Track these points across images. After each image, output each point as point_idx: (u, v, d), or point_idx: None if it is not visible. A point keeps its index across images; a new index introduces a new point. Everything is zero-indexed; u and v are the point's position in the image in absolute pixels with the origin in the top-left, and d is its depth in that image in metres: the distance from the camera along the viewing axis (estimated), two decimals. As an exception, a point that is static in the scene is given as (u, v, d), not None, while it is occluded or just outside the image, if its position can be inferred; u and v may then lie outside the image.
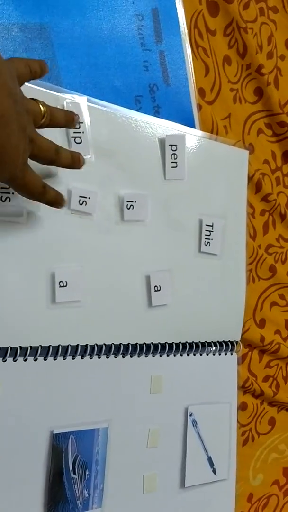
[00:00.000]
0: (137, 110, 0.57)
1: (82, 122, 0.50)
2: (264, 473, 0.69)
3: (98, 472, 0.50)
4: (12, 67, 0.38)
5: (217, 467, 0.59)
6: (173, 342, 0.57)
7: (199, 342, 0.59)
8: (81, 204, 0.50)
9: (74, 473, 0.49)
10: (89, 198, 0.50)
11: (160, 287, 0.56)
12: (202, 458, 0.58)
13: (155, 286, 0.55)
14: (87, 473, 0.50)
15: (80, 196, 0.50)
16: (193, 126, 0.61)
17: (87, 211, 0.51)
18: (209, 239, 0.60)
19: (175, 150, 0.57)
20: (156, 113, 0.59)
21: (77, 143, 0.50)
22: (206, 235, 0.60)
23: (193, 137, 0.59)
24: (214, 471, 0.59)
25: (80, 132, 0.50)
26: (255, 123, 0.70)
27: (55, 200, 0.44)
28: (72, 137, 0.49)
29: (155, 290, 0.55)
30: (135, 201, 0.54)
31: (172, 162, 0.57)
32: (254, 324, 0.68)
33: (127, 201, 0.53)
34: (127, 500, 0.53)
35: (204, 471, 0.58)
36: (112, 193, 0.53)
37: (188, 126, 0.60)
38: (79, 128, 0.49)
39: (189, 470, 0.57)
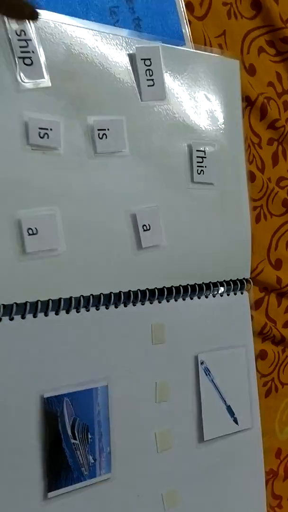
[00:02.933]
0: (114, 24, 0.49)
1: (30, 40, 0.42)
2: (292, 425, 0.63)
3: (103, 435, 0.45)
4: None
5: (239, 416, 0.54)
6: (172, 286, 0.51)
7: (203, 283, 0.53)
8: (42, 138, 0.43)
9: (75, 438, 0.44)
10: (50, 129, 0.43)
11: (149, 226, 0.49)
12: (221, 408, 0.53)
13: (144, 225, 0.49)
14: (89, 437, 0.45)
15: (40, 128, 0.43)
16: (182, 44, 0.53)
17: (50, 145, 0.44)
18: (202, 166, 0.53)
19: (149, 65, 0.49)
20: (137, 27, 0.50)
21: (27, 64, 0.42)
22: (198, 162, 0.53)
23: (170, 49, 0.51)
24: (235, 421, 0.54)
25: (29, 52, 0.42)
26: (254, 40, 0.61)
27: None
28: (19, 57, 0.42)
29: (144, 230, 0.49)
30: (108, 129, 0.47)
31: (147, 80, 0.49)
32: (269, 265, 0.61)
33: (98, 130, 0.46)
34: (141, 462, 0.48)
35: (225, 421, 0.53)
36: (78, 122, 0.45)
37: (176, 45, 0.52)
38: (27, 46, 0.42)
39: (207, 422, 0.51)
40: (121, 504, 0.46)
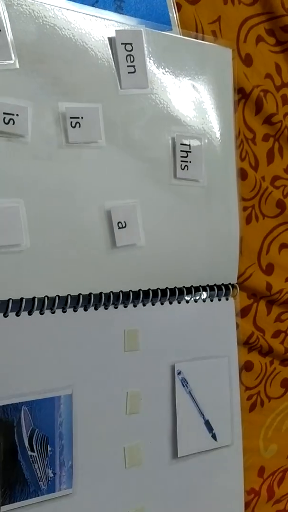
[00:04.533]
0: (93, 5, 0.45)
1: (-4, 17, 0.39)
2: (278, 443, 0.59)
3: (64, 447, 0.42)
4: None
5: (218, 432, 0.50)
6: (149, 289, 0.47)
7: (183, 287, 0.49)
8: (7, 123, 0.40)
9: (32, 450, 0.41)
10: (17, 115, 0.40)
11: (125, 224, 0.45)
12: (198, 423, 0.49)
13: (119, 222, 0.45)
14: (49, 449, 0.41)
15: (5, 113, 0.40)
16: (169, 29, 0.49)
17: (16, 132, 0.40)
18: (186, 161, 0.49)
19: (130, 51, 0.46)
20: (119, 9, 0.47)
21: (-8, 44, 0.39)
22: (182, 156, 0.49)
23: (155, 34, 0.48)
24: (214, 437, 0.50)
25: (-6, 30, 0.39)
26: (253, 28, 0.57)
27: None
28: (-18, 36, 0.39)
29: (119, 228, 0.45)
30: (82, 117, 0.43)
31: (128, 66, 0.46)
32: (259, 269, 0.57)
33: (71, 118, 0.43)
34: (106, 477, 0.44)
35: (202, 437, 0.49)
36: (49, 108, 0.42)
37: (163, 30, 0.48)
38: (-9, 24, 0.39)
39: (181, 437, 0.48)
40: (83, 523, 0.43)
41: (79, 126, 0.43)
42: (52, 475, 0.41)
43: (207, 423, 0.49)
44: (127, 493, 0.45)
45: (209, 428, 0.49)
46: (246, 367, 0.55)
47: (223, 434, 0.50)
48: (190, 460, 0.48)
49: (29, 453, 0.40)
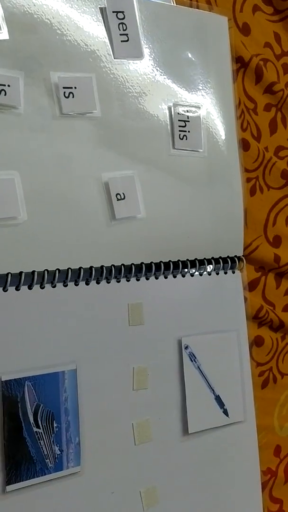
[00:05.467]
0: None
1: (-18, -14, 0.39)
2: (294, 421, 0.57)
3: (70, 423, 0.41)
4: None
5: (230, 408, 0.49)
6: (151, 262, 0.46)
7: (187, 260, 0.48)
8: (-1, 94, 0.39)
9: (38, 427, 0.40)
10: (8, 86, 0.40)
11: (123, 195, 0.44)
12: (208, 398, 0.48)
13: (117, 194, 0.44)
14: (55, 425, 0.40)
15: (-4, 84, 0.39)
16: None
17: (9, 103, 0.40)
18: (184, 131, 0.48)
19: (122, 19, 0.45)
20: None
21: (-21, 13, 0.39)
22: (180, 126, 0.48)
23: (147, 2, 0.47)
24: (225, 412, 0.48)
25: (-18, 0, 0.39)
26: None
27: None
28: None
29: (118, 199, 0.44)
30: (75, 87, 0.42)
31: (120, 35, 0.45)
32: (266, 242, 0.55)
33: (64, 88, 0.42)
34: (115, 455, 0.43)
35: (213, 412, 0.48)
36: (41, 79, 0.41)
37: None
38: (-22, -7, 0.38)
39: (192, 413, 0.46)
40: (92, 501, 0.42)
41: (73, 96, 0.42)
42: (59, 452, 0.40)
43: (218, 399, 0.48)
44: (137, 471, 0.44)
45: (220, 403, 0.48)
46: (256, 342, 0.53)
47: (235, 410, 0.49)
48: (202, 437, 0.47)
49: (35, 429, 0.39)
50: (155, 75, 0.47)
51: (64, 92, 0.42)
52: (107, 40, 0.44)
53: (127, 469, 0.44)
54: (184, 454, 0.46)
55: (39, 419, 0.40)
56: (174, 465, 0.46)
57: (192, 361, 0.47)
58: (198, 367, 0.47)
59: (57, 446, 0.40)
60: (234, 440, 0.49)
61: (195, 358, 0.47)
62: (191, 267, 0.48)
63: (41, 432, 0.40)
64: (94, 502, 0.42)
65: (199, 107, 0.49)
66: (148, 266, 0.46)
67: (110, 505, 0.43)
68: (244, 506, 0.50)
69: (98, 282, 0.43)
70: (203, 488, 0.47)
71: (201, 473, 0.47)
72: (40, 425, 0.40)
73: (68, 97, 0.42)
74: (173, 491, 0.45)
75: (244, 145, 0.54)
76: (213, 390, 0.48)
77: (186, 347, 0.47)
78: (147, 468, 0.45)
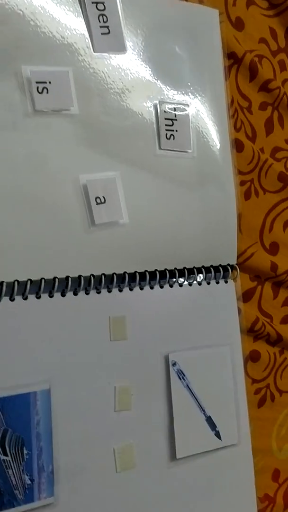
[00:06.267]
0: None
1: None
2: (294, 443, 0.53)
3: (43, 450, 0.37)
4: None
5: (222, 430, 0.45)
6: (135, 271, 0.42)
7: (175, 269, 0.44)
8: None
9: (5, 454, 0.36)
10: (-26, 80, 0.36)
11: (104, 199, 0.41)
12: (199, 419, 0.44)
13: (97, 197, 0.41)
14: (25, 452, 0.37)
15: None
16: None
17: (-25, 99, 0.37)
18: (172, 130, 0.44)
19: (102, 10, 0.42)
20: None
21: None
22: (167, 125, 0.44)
23: (130, -7, 0.43)
24: (217, 435, 0.44)
25: None
26: None
27: None
28: None
29: (98, 203, 0.41)
30: (50, 82, 0.39)
31: (101, 27, 0.42)
32: (262, 249, 0.52)
33: (37, 82, 0.39)
34: (94, 483, 0.39)
35: (204, 435, 0.44)
36: (12, 73, 0.38)
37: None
38: None
39: (180, 436, 0.42)
40: (68, 536, 0.38)
41: (47, 92, 0.39)
42: (29, 482, 0.37)
43: (209, 420, 0.44)
44: (119, 503, 0.40)
45: (212, 425, 0.44)
46: (252, 357, 0.49)
47: (229, 432, 0.45)
48: (192, 462, 0.43)
49: (2, 457, 0.36)
50: (139, 70, 0.44)
51: (38, 87, 0.39)
52: (86, 33, 0.41)
53: (108, 499, 0.40)
54: (171, 482, 0.42)
55: (6, 446, 0.36)
56: (161, 494, 0.42)
57: (180, 379, 0.43)
58: (187, 385, 0.43)
59: (27, 475, 0.37)
60: (227, 465, 0.45)
61: (184, 375, 0.43)
62: (179, 277, 0.44)
63: (9, 460, 0.36)
64: (70, 537, 0.38)
65: (187, 105, 0.46)
66: (132, 276, 0.42)
67: (88, 539, 0.39)
68: (239, 538, 0.45)
69: (75, 294, 0.40)
70: (193, 519, 0.43)
71: (190, 503, 0.43)
72: (8, 453, 0.36)
73: (41, 92, 0.39)
74: (159, 523, 0.41)
75: (238, 146, 0.50)
76: (204, 411, 0.44)
77: (174, 364, 0.43)
78: (130, 498, 0.41)
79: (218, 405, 0.45)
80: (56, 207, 0.39)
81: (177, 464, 0.42)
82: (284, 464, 0.51)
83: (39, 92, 0.39)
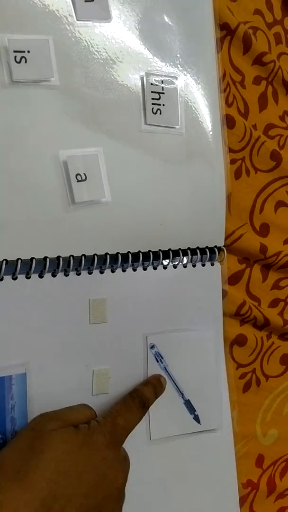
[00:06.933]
0: None
1: None
2: (279, 428, 0.52)
3: (18, 433, 0.37)
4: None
5: (202, 413, 0.44)
6: (117, 253, 0.41)
7: (159, 250, 0.43)
8: None
9: (-21, 437, 0.35)
10: None
11: (85, 176, 0.39)
12: (176, 403, 0.43)
13: (77, 174, 0.39)
14: (-1, 436, 0.36)
15: None
16: None
17: None
18: (158, 104, 0.42)
19: (85, -27, 0.39)
20: None
21: None
22: (153, 98, 0.42)
23: None
24: (196, 419, 0.44)
25: None
26: None
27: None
28: None
29: (78, 181, 0.39)
30: (29, 51, 0.37)
31: (84, -9, 0.39)
32: (251, 230, 0.50)
33: (15, 51, 0.36)
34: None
35: (181, 418, 0.43)
36: (-13, 41, 0.36)
37: None
38: None
39: (155, 418, 0.42)
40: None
41: (25, 62, 0.37)
42: (4, 464, 0.36)
43: (188, 403, 0.43)
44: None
45: (191, 409, 0.43)
46: (238, 341, 0.48)
47: (209, 416, 0.44)
48: (168, 443, 0.43)
49: (-25, 440, 0.35)
50: (125, 40, 0.41)
51: (15, 57, 0.36)
52: (69, 0, 0.39)
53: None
54: (148, 462, 0.42)
55: (-20, 429, 0.35)
56: (137, 474, 0.41)
57: (158, 361, 0.42)
58: (165, 368, 0.42)
59: (2, 458, 0.36)
60: (207, 449, 0.44)
61: (162, 358, 0.42)
62: (164, 258, 0.43)
63: (-17, 443, 0.35)
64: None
65: (176, 78, 0.43)
66: (114, 257, 0.41)
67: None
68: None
69: (54, 275, 0.38)
70: (170, 501, 0.43)
71: (168, 484, 0.43)
72: (-18, 436, 0.35)
73: (19, 62, 0.37)
74: (134, 505, 0.41)
75: (229, 122, 0.48)
76: (182, 394, 0.43)
77: (152, 347, 0.42)
78: (107, 480, 0.40)
79: (198, 389, 0.44)
80: (34, 184, 0.38)
81: (153, 445, 0.42)
82: (268, 450, 0.51)
83: (17, 62, 0.36)
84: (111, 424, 0.36)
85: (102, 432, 0.35)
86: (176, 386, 0.43)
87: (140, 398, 0.39)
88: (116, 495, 0.35)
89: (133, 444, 0.41)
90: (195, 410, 0.43)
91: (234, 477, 0.46)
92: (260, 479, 0.50)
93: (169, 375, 0.42)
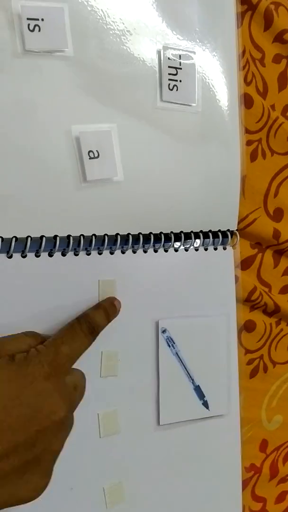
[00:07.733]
0: None
1: None
2: (284, 414, 0.51)
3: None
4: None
5: (211, 400, 0.43)
6: (128, 233, 0.40)
7: (171, 232, 0.42)
8: None
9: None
10: None
11: (97, 153, 0.38)
12: (186, 388, 0.43)
13: (90, 151, 0.38)
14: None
15: None
16: None
17: None
18: (175, 80, 0.41)
19: None
20: None
21: None
22: (170, 74, 0.41)
23: None
24: (205, 404, 0.43)
25: None
26: None
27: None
28: None
29: (90, 158, 0.38)
30: (43, 19, 0.35)
31: None
32: (265, 214, 0.49)
33: (28, 19, 0.35)
34: (76, 447, 0.38)
35: (190, 404, 0.43)
36: (0, 7, 0.34)
37: None
38: None
39: (164, 404, 0.41)
40: (47, 498, 0.37)
41: (39, 30, 0.35)
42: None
43: (198, 389, 0.43)
44: (101, 466, 0.40)
45: (200, 394, 0.43)
46: (246, 327, 0.48)
47: (217, 402, 0.44)
48: (176, 429, 0.42)
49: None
50: (143, 11, 0.39)
51: (29, 25, 0.35)
52: None
53: (89, 463, 0.39)
54: (155, 447, 0.42)
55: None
56: (145, 459, 0.41)
57: (170, 346, 0.41)
58: (176, 353, 0.42)
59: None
60: (214, 434, 0.44)
61: (174, 343, 0.42)
62: (175, 241, 0.42)
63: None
64: (49, 499, 0.37)
65: (194, 53, 0.42)
66: (125, 238, 0.40)
67: (68, 502, 0.38)
68: (221, 505, 0.45)
69: (63, 254, 0.38)
70: (176, 485, 0.43)
71: (174, 468, 0.43)
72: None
73: (33, 30, 0.35)
74: (141, 488, 0.41)
75: (247, 102, 0.46)
76: (192, 380, 0.42)
77: (164, 331, 0.41)
78: (112, 462, 0.40)
79: (208, 375, 0.43)
80: (45, 160, 0.36)
81: (161, 431, 0.42)
82: (272, 435, 0.51)
83: (30, 30, 0.35)
84: (53, 352, 0.32)
85: (41, 362, 0.31)
86: (187, 371, 0.42)
87: (88, 323, 0.36)
88: (54, 428, 0.31)
89: (140, 430, 0.41)
90: (204, 396, 0.43)
91: (239, 461, 0.46)
92: (263, 464, 0.50)
93: (181, 360, 0.42)
